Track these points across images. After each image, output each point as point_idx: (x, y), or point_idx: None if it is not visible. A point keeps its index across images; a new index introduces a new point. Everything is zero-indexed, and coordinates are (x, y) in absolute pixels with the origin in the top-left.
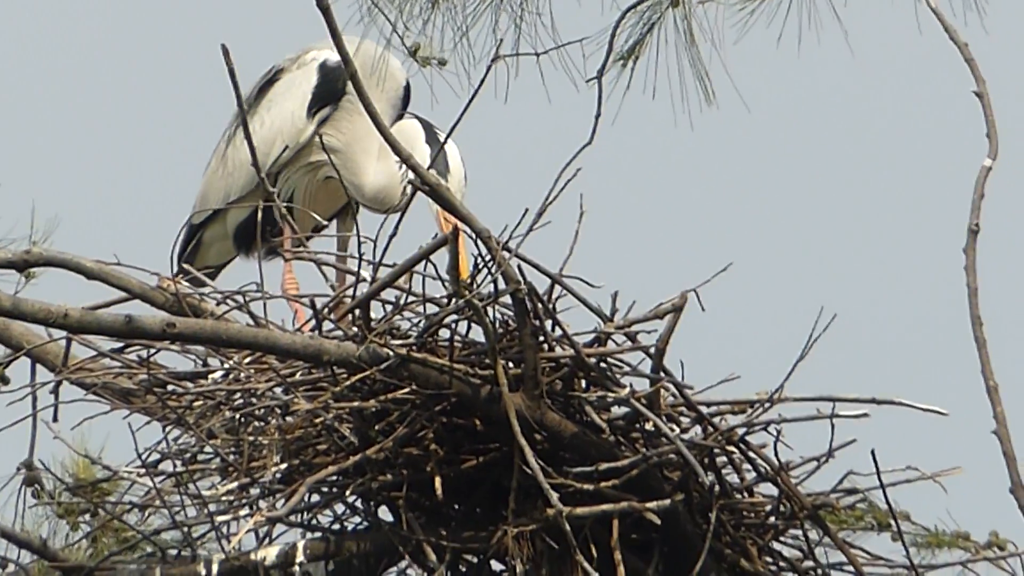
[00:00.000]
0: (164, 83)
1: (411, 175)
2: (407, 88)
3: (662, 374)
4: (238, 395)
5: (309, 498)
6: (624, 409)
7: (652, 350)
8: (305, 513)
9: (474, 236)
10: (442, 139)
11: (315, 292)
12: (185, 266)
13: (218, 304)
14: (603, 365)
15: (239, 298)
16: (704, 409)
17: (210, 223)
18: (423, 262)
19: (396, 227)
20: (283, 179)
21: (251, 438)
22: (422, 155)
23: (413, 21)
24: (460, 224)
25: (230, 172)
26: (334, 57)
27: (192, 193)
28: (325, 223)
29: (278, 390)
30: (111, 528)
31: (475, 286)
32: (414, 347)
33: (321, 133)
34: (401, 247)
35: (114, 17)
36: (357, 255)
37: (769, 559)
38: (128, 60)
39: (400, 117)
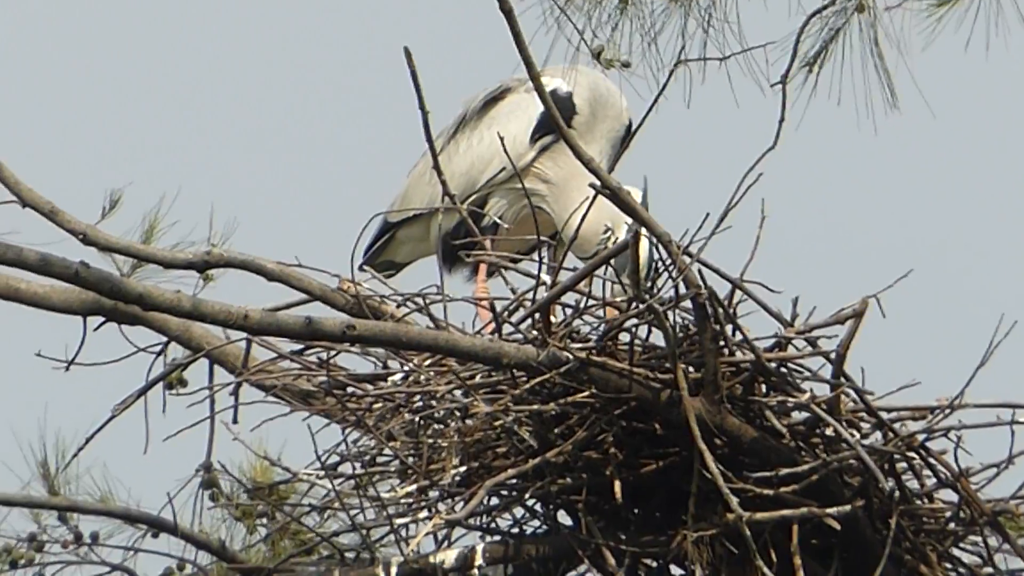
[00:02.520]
0: (345, 86)
1: (592, 178)
2: (628, 128)
3: (842, 379)
4: (418, 398)
5: (488, 501)
6: (804, 414)
7: (832, 355)
8: (484, 516)
9: (655, 241)
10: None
11: (496, 296)
12: (365, 268)
13: (398, 306)
14: (783, 370)
15: (419, 300)
16: (884, 415)
17: (408, 223)
18: (603, 266)
19: (576, 231)
20: (494, 200)
21: (430, 441)
22: (619, 223)
23: (601, 28)
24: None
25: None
26: (565, 87)
27: (378, 194)
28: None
29: (458, 393)
30: (289, 530)
31: (656, 290)
32: (594, 351)
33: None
34: None
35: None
36: (537, 259)
37: (948, 565)
38: (310, 63)
39: (619, 156)
